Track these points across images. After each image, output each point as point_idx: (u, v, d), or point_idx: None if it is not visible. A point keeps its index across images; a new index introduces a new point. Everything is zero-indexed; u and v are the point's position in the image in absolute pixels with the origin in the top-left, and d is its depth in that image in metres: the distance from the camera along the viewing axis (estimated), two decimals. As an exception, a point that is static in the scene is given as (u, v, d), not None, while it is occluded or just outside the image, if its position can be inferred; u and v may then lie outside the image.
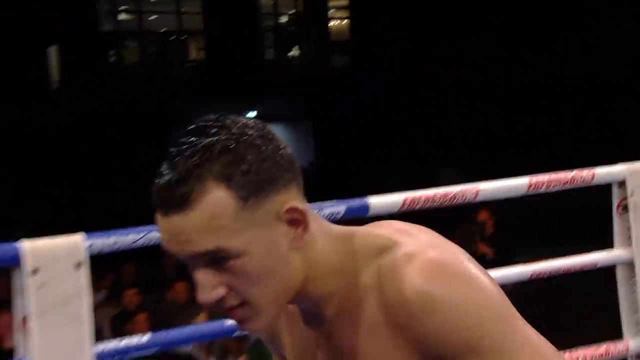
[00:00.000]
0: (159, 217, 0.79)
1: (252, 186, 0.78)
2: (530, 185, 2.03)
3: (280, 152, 0.82)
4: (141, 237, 1.68)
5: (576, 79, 13.94)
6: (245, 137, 0.79)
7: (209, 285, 0.80)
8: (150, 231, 1.69)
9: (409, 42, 14.63)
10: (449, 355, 0.82)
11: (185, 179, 0.76)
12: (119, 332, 4.92)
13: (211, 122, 0.81)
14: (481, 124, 13.52)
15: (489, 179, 2.08)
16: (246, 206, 0.78)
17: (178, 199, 0.76)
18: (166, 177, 0.78)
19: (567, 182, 2.08)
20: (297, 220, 0.82)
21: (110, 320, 5.70)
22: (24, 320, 1.46)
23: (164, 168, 0.79)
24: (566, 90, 13.77)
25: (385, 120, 14.26)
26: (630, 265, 2.13)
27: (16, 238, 1.53)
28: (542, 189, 2.04)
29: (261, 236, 0.80)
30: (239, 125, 0.80)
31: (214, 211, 0.77)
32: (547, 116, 13.64)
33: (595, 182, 2.12)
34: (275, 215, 0.80)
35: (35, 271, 1.45)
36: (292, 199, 0.82)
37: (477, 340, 0.80)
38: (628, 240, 2.13)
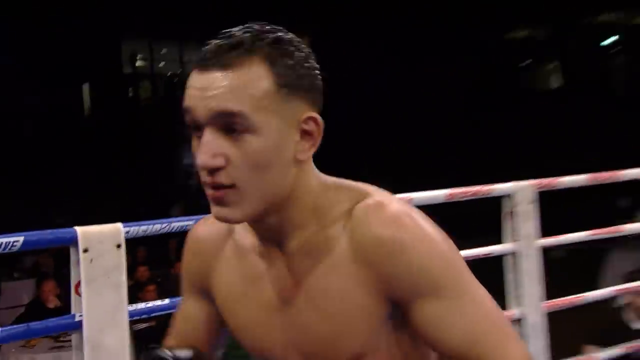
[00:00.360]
0: (196, 73, 0.66)
1: (290, 80, 0.67)
2: (449, 195, 2.09)
3: (318, 75, 0.71)
4: (165, 226, 1.68)
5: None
6: (298, 44, 0.69)
7: (213, 149, 0.64)
8: (171, 222, 1.69)
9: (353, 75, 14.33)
10: (409, 296, 0.71)
11: (236, 47, 0.65)
12: (133, 299, 4.83)
13: (272, 25, 0.70)
14: (409, 146, 13.32)
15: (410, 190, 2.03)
16: (279, 92, 0.66)
17: (225, 59, 0.64)
18: (219, 41, 0.66)
19: (473, 194, 2.15)
20: (310, 134, 0.69)
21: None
22: (77, 286, 1.45)
23: (218, 37, 0.67)
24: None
25: (334, 137, 14.08)
26: (514, 255, 2.20)
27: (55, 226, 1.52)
28: (457, 199, 2.11)
29: (278, 127, 0.66)
30: (294, 36, 0.70)
31: (251, 80, 0.64)
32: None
33: (492, 194, 2.19)
34: (296, 120, 0.68)
35: (86, 250, 1.44)
36: (316, 113, 0.70)
37: (437, 284, 0.70)
38: (513, 238, 2.20)
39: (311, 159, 0.72)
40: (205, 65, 0.65)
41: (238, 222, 0.71)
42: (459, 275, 0.72)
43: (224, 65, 0.64)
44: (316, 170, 0.74)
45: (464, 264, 0.74)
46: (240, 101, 0.64)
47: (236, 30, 0.67)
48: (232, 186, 0.66)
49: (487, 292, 0.74)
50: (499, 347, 0.71)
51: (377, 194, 0.74)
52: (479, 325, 0.71)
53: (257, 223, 0.72)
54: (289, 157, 0.68)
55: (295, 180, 0.70)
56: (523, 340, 0.76)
